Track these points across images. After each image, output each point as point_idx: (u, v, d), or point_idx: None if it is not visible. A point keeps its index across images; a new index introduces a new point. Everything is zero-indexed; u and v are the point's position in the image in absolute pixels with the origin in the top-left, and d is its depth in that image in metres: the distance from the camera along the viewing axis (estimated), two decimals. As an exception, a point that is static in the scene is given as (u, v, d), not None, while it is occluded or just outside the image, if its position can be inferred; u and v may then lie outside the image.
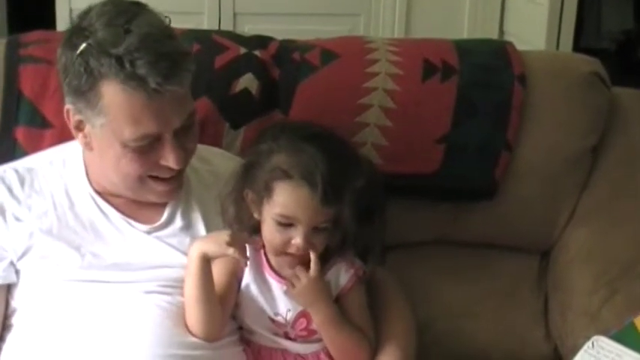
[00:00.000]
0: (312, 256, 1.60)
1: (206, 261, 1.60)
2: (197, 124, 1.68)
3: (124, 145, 1.59)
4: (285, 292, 1.66)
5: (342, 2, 4.15)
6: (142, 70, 1.52)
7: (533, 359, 2.01)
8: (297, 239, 1.59)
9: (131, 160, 1.61)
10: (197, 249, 1.61)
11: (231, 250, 1.57)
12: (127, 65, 1.52)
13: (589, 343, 1.60)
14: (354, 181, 1.59)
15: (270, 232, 1.62)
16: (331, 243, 1.65)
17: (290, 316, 1.66)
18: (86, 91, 1.56)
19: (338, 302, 1.69)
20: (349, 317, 1.69)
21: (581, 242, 1.99)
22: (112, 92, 1.54)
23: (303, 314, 1.66)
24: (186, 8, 3.95)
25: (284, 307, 1.66)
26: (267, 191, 1.60)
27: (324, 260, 1.66)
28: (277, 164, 1.59)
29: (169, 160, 1.61)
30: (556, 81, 2.06)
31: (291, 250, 1.61)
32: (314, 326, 1.67)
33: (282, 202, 1.58)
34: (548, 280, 2.06)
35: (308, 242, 1.59)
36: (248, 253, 1.62)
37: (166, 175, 1.65)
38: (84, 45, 1.54)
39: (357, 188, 1.59)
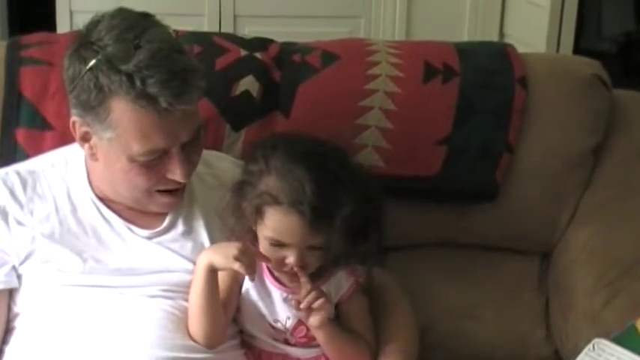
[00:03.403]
0: (301, 278, 1.59)
1: (212, 271, 1.61)
2: (203, 135, 1.68)
3: (132, 160, 1.58)
4: (285, 300, 1.66)
5: (342, 4, 4.14)
6: (152, 89, 1.51)
7: (535, 360, 2.02)
8: (291, 259, 1.59)
9: (138, 173, 1.60)
10: (205, 259, 1.61)
11: (236, 265, 1.56)
12: (138, 83, 1.51)
13: (590, 346, 1.60)
14: (345, 206, 1.57)
15: (264, 250, 1.62)
16: (326, 260, 1.64)
17: (289, 323, 1.66)
18: (95, 107, 1.56)
19: (338, 309, 1.69)
20: (350, 323, 1.69)
21: (583, 243, 1.99)
22: (122, 109, 1.54)
23: (302, 322, 1.66)
24: (187, 10, 3.95)
25: (283, 315, 1.66)
26: (258, 214, 1.60)
27: (320, 273, 1.66)
28: (267, 188, 1.58)
29: (176, 174, 1.61)
30: (557, 83, 2.06)
31: (286, 269, 1.61)
32: (313, 333, 1.67)
33: (272, 226, 1.58)
34: (549, 282, 2.06)
35: (301, 262, 1.59)
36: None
37: (171, 187, 1.66)
38: (93, 61, 1.53)
39: (347, 215, 1.57)
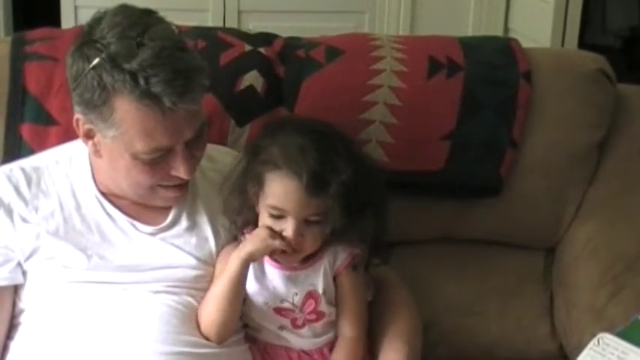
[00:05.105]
0: None
1: (248, 265, 1.63)
2: (207, 131, 1.68)
3: (135, 157, 1.59)
4: (289, 277, 1.67)
5: (346, 0, 4.15)
6: (156, 88, 1.51)
7: (539, 356, 2.01)
8: (288, 231, 1.61)
9: (141, 171, 1.61)
10: (239, 254, 1.63)
11: (277, 242, 1.60)
12: (142, 82, 1.51)
13: (594, 341, 1.60)
14: (342, 173, 1.60)
15: (264, 224, 1.64)
16: (323, 236, 1.66)
17: (297, 299, 1.67)
18: (99, 105, 1.56)
19: (336, 281, 1.70)
20: (342, 298, 1.70)
21: (587, 238, 1.99)
22: (126, 107, 1.54)
23: (311, 295, 1.68)
24: (191, 5, 3.95)
25: (290, 292, 1.67)
26: (259, 183, 1.63)
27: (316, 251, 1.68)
28: (270, 156, 1.62)
29: (180, 170, 1.61)
30: (561, 78, 2.06)
31: (284, 242, 1.62)
32: (322, 308, 1.68)
33: (271, 193, 1.61)
34: (553, 277, 2.06)
35: (299, 235, 1.61)
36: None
37: (176, 183, 1.66)
38: (97, 60, 1.53)
39: (344, 181, 1.59)
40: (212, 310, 1.64)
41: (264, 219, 1.64)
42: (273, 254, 1.65)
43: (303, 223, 1.61)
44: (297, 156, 1.59)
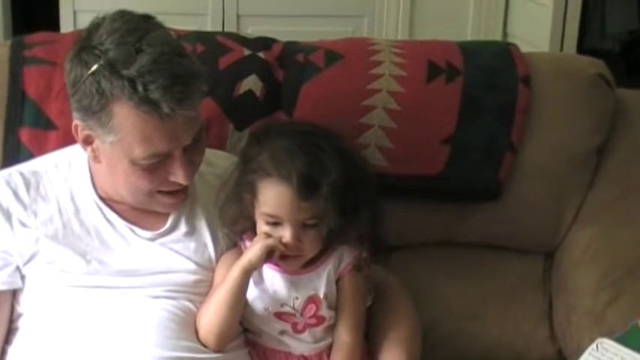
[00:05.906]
0: None
1: (249, 274, 1.63)
2: (205, 136, 1.68)
3: (134, 163, 1.58)
4: (292, 282, 1.67)
5: (345, 4, 4.15)
6: (155, 95, 1.51)
7: (538, 360, 2.02)
8: (286, 237, 1.61)
9: (140, 176, 1.61)
10: (241, 262, 1.63)
11: (270, 240, 1.60)
12: (140, 88, 1.51)
13: (593, 346, 1.60)
14: (331, 173, 1.60)
15: (262, 232, 1.64)
16: (322, 238, 1.66)
17: (298, 303, 1.67)
18: (97, 111, 1.55)
19: (337, 284, 1.70)
20: (342, 302, 1.70)
21: (586, 243, 1.99)
22: (124, 113, 1.54)
23: (312, 300, 1.68)
24: (190, 9, 3.95)
25: (290, 296, 1.67)
26: (253, 192, 1.63)
27: (320, 254, 1.68)
28: (259, 165, 1.62)
29: (178, 176, 1.61)
30: (560, 82, 2.06)
31: (283, 249, 1.62)
32: (323, 312, 1.68)
33: (265, 200, 1.61)
34: (552, 281, 2.06)
35: (297, 240, 1.61)
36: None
37: (174, 189, 1.66)
38: (95, 66, 1.53)
39: (335, 181, 1.59)
40: (212, 317, 1.63)
41: (262, 227, 1.64)
42: (274, 259, 1.65)
43: (300, 228, 1.61)
44: (285, 160, 1.59)
